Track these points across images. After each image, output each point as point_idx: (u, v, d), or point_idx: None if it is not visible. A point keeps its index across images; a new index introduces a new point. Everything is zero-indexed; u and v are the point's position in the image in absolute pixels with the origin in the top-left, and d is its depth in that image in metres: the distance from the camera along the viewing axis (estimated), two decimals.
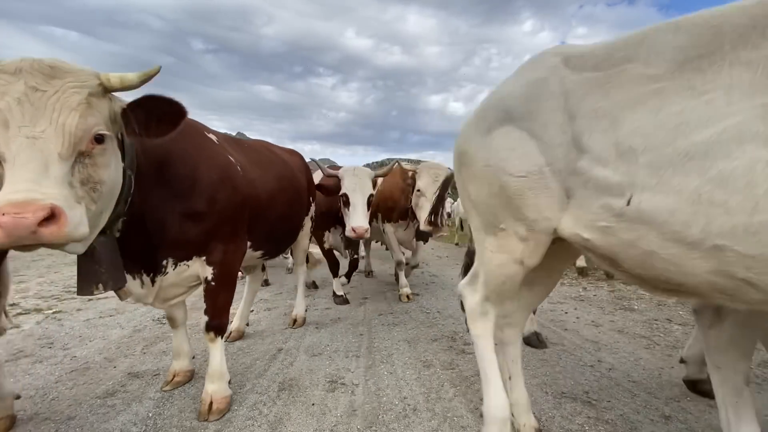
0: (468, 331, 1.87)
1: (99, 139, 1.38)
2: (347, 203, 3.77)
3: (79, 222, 1.28)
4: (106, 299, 5.16)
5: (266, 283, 5.78)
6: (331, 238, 4.63)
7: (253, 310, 4.39)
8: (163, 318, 4.20)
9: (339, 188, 3.85)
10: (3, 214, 1.09)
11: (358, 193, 3.76)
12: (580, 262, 5.77)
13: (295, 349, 3.14)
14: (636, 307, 4.09)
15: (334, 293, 4.74)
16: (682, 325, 3.46)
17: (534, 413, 2.09)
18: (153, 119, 1.50)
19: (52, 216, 1.16)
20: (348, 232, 3.69)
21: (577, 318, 3.81)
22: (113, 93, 1.48)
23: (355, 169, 3.94)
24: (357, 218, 3.66)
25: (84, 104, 1.34)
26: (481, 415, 1.84)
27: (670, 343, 3.04)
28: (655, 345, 3.02)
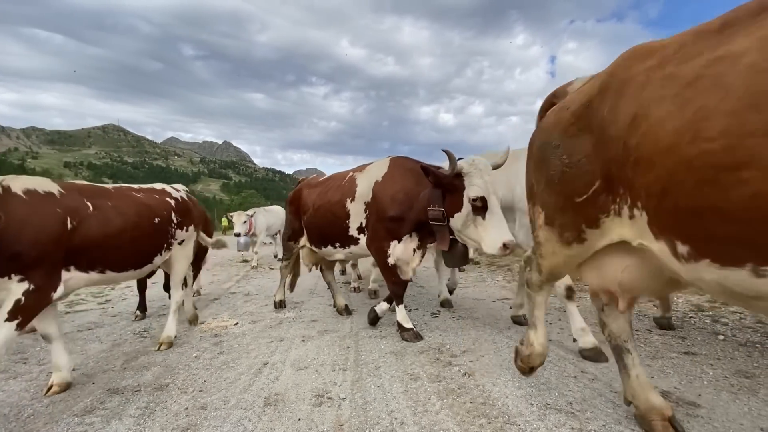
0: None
1: None
2: (481, 209, 3.05)
3: None
4: (85, 312, 5.02)
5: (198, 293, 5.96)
6: (400, 249, 3.68)
7: (237, 323, 4.33)
8: (144, 332, 4.11)
9: (455, 187, 3.16)
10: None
11: (493, 195, 3.07)
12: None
13: (281, 363, 3.11)
14: None
15: (400, 326, 3.68)
16: (662, 335, 3.55)
17: (520, 424, 2.12)
18: None
19: None
20: (491, 248, 2.96)
21: (561, 329, 3.88)
22: None
23: (479, 162, 3.16)
24: (504, 230, 2.99)
25: None
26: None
27: (651, 353, 3.11)
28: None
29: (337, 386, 2.67)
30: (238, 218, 9.47)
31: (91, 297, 6.00)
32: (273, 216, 10.84)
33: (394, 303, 3.78)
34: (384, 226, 3.67)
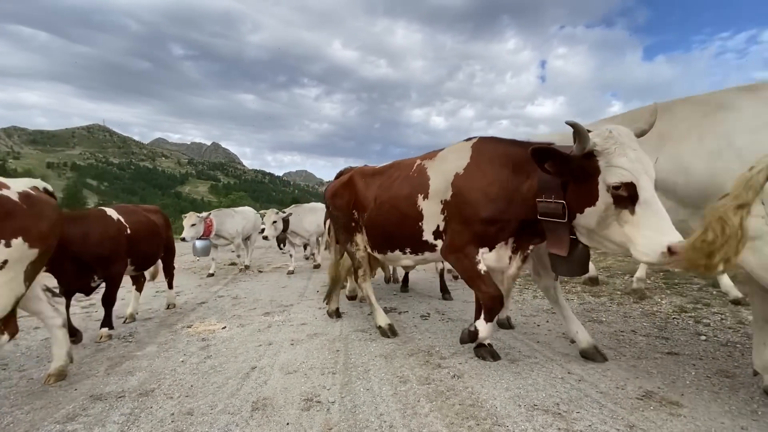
0: None
1: None
2: (627, 200, 2.17)
3: None
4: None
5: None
6: (492, 258, 2.92)
7: (225, 327, 4.28)
8: (130, 336, 4.04)
9: (584, 171, 2.29)
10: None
11: (645, 176, 2.17)
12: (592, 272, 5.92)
13: (270, 367, 3.08)
14: (603, 319, 4.25)
15: (477, 340, 3.09)
16: (646, 336, 3.62)
17: (508, 425, 2.13)
18: None
19: None
20: (648, 254, 2.09)
21: (549, 330, 3.92)
22: None
23: (619, 133, 2.26)
24: (667, 227, 2.08)
25: None
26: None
27: (635, 354, 3.17)
28: (621, 356, 3.14)
29: (326, 390, 2.66)
30: (187, 221, 8.14)
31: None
32: (242, 218, 9.49)
33: (482, 317, 3.00)
34: (472, 231, 2.88)
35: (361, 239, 3.96)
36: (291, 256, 9.05)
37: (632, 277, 5.62)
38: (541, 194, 2.55)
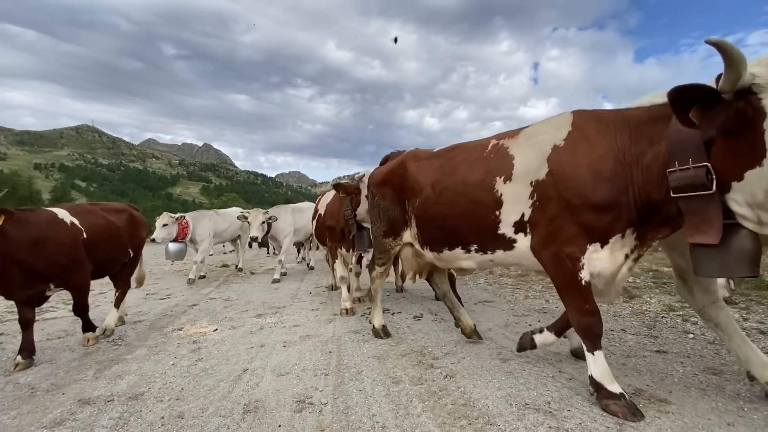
0: None
1: None
2: None
3: None
4: (55, 320, 4.83)
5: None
6: (604, 258, 2.28)
7: (216, 329, 4.25)
8: (119, 339, 3.99)
9: (738, 120, 1.71)
10: None
11: None
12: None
13: (261, 369, 3.06)
14: None
15: (596, 385, 2.32)
16: (635, 335, 3.67)
17: (500, 424, 2.15)
18: None
19: None
20: None
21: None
22: None
23: None
24: None
25: None
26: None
27: (624, 352, 3.21)
28: (611, 354, 3.18)
29: (319, 391, 2.65)
30: (159, 221, 7.57)
31: (61, 304, 5.77)
32: (224, 220, 8.90)
33: (584, 348, 2.38)
34: (577, 222, 2.25)
35: (407, 234, 3.49)
36: (280, 262, 8.19)
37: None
38: (673, 161, 1.92)
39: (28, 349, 3.31)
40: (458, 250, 2.96)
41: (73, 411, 2.46)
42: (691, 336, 3.54)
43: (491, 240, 2.71)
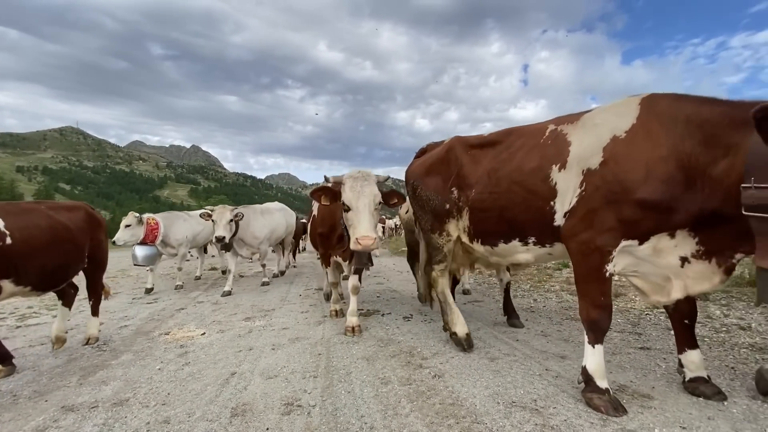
0: None
1: None
2: None
3: None
4: (38, 326, 4.73)
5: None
6: (650, 248, 2.26)
7: (204, 333, 4.20)
8: (104, 345, 3.92)
9: None
10: None
11: None
12: None
13: (250, 372, 3.04)
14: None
15: (587, 377, 2.39)
16: (620, 332, 3.73)
17: (487, 422, 2.17)
18: None
19: None
20: None
21: (528, 329, 4.00)
22: None
23: None
24: None
25: None
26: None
27: (610, 350, 3.26)
28: None
29: (308, 393, 2.64)
30: (122, 222, 6.69)
31: (44, 309, 5.65)
32: (198, 222, 7.77)
33: (586, 339, 2.37)
34: (616, 215, 2.18)
35: (455, 227, 3.32)
36: (264, 266, 7.81)
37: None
38: (749, 177, 1.79)
39: None
40: (515, 243, 2.83)
41: (56, 418, 2.41)
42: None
43: (549, 232, 2.57)
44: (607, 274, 2.24)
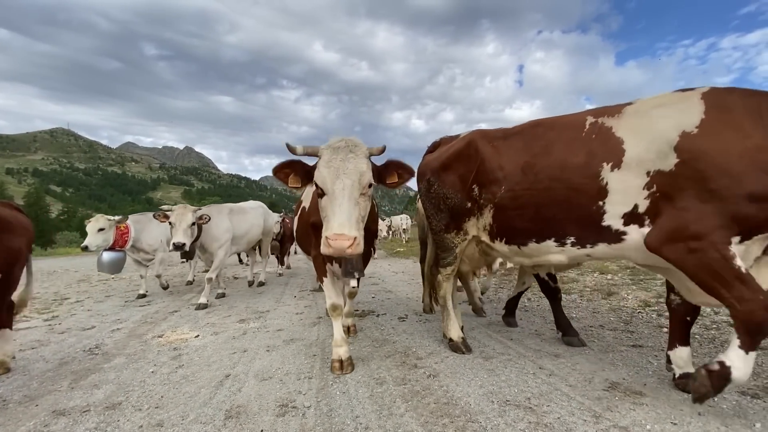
0: None
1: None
2: None
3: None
4: (28, 330, 4.67)
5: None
6: (744, 251, 2.16)
7: (198, 335, 4.18)
8: (96, 348, 3.88)
9: None
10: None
11: None
12: None
13: (244, 374, 3.02)
14: (574, 315, 4.39)
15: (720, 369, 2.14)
16: (613, 330, 3.77)
17: (481, 421, 2.18)
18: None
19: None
20: None
21: (522, 328, 4.02)
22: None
23: None
24: None
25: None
26: None
27: (603, 348, 3.30)
28: (590, 350, 3.27)
29: (302, 395, 2.64)
30: (92, 226, 6.00)
31: (35, 313, 5.58)
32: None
33: (736, 343, 2.05)
34: (726, 212, 2.04)
35: (474, 226, 3.12)
36: (247, 264, 6.90)
37: (602, 274, 5.84)
38: None
39: None
40: (549, 243, 2.66)
41: (47, 423, 2.38)
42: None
43: (593, 232, 2.46)
44: (742, 268, 2.02)
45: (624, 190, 2.33)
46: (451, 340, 3.41)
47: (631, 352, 3.18)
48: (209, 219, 5.60)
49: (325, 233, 2.31)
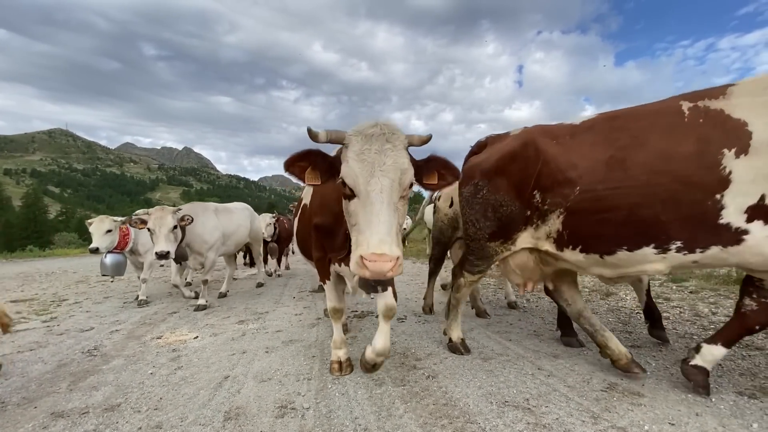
0: None
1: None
2: None
3: None
4: (26, 332, 4.66)
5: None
6: None
7: (197, 337, 4.17)
8: (94, 350, 3.87)
9: None
10: None
11: None
12: None
13: (243, 376, 3.03)
14: None
15: None
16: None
17: (480, 422, 2.18)
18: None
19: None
20: None
21: (521, 329, 4.03)
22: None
23: None
24: None
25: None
26: None
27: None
28: (588, 350, 3.27)
29: (301, 396, 2.64)
30: (99, 227, 5.80)
31: (33, 315, 5.57)
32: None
33: None
34: None
35: (530, 235, 2.79)
36: (247, 264, 6.56)
37: None
38: None
39: None
40: (647, 250, 2.28)
41: (45, 425, 2.38)
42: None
43: (706, 233, 2.12)
44: None
45: (751, 180, 2.01)
46: (450, 340, 3.43)
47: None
48: (192, 220, 5.26)
49: (359, 251, 1.78)
